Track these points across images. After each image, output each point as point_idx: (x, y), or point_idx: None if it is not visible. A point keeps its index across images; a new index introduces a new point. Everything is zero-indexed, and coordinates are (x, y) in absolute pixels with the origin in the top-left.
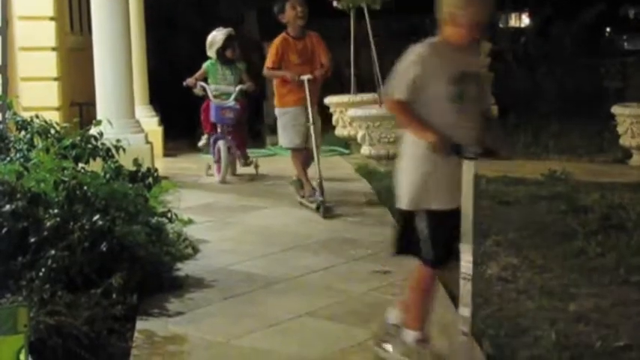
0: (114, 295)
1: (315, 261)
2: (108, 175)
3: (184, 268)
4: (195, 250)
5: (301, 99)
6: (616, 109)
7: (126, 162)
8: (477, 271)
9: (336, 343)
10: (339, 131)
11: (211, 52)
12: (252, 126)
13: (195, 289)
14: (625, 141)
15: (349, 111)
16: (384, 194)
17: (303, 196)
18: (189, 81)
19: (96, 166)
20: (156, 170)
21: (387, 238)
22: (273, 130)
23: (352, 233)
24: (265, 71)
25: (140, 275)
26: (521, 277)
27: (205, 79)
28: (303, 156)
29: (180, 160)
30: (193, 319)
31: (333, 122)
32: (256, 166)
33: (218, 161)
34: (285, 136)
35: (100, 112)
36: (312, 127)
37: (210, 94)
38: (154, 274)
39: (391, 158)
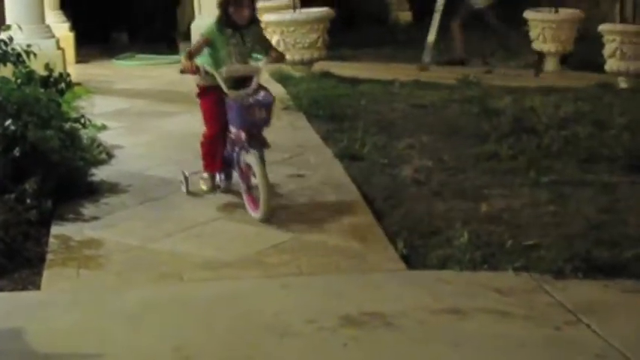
0: (28, 200)
1: None
2: (19, 81)
3: (99, 174)
4: (110, 156)
5: None
6: (528, 14)
7: (37, 67)
8: (391, 173)
9: (251, 245)
10: None
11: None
12: (165, 33)
13: (110, 194)
14: (537, 46)
15: (263, 16)
16: (299, 99)
17: None
18: (185, 65)
19: (6, 71)
20: (68, 75)
21: (302, 142)
22: (187, 37)
23: (268, 138)
24: None
25: (55, 180)
26: (435, 179)
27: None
28: None
29: (93, 66)
30: (109, 223)
31: None
32: None
33: (249, 189)
34: None
35: (9, 17)
36: None
37: (223, 86)
38: (68, 180)
39: (306, 63)
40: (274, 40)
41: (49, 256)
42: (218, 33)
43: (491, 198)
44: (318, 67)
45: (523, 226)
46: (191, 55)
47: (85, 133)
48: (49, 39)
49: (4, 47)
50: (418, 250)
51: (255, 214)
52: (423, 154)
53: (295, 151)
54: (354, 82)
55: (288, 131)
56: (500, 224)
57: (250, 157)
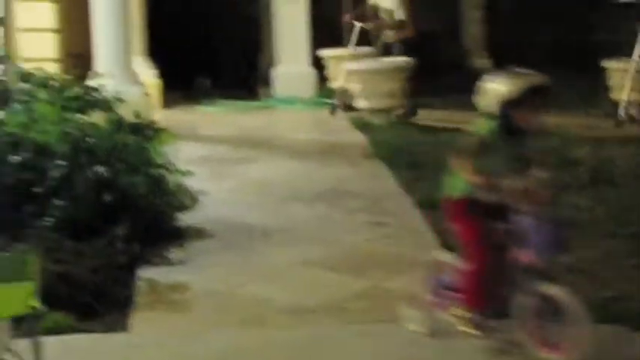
0: (117, 245)
1: (310, 212)
2: (110, 127)
3: (184, 219)
4: (195, 201)
5: None
6: (607, 63)
7: (125, 113)
8: None
9: (332, 292)
10: (334, 83)
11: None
12: (247, 79)
13: (195, 239)
14: (615, 95)
15: (345, 64)
16: (379, 147)
17: None
18: (475, 177)
19: (96, 117)
20: (155, 122)
21: (382, 190)
22: (267, 83)
23: (347, 185)
24: None
25: (142, 225)
26: None
27: None
28: None
29: (178, 111)
30: (195, 268)
31: (327, 74)
32: None
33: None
34: None
35: (98, 65)
36: None
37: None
38: (155, 225)
39: (387, 111)
40: (356, 88)
41: (137, 299)
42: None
43: (569, 249)
44: (399, 115)
45: (602, 277)
46: (468, 157)
47: (171, 179)
48: (137, 86)
49: (94, 94)
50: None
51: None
52: None
53: (375, 199)
54: (434, 130)
55: (368, 179)
56: (580, 275)
57: (556, 289)
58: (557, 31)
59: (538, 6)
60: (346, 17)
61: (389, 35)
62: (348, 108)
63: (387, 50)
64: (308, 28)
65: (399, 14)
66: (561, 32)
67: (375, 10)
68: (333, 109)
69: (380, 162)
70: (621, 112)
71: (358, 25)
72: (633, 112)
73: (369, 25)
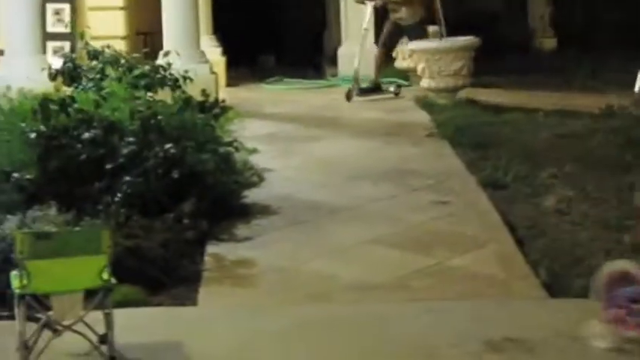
0: (186, 221)
1: (375, 191)
2: (178, 105)
3: (251, 196)
4: (261, 179)
5: None
6: None
7: (192, 91)
8: (533, 202)
9: (396, 269)
10: (399, 63)
11: None
12: (312, 57)
13: (261, 215)
14: None
15: (409, 44)
16: (443, 126)
17: None
18: None
19: (163, 95)
20: (223, 101)
21: (446, 170)
22: (333, 62)
23: (412, 164)
24: None
25: (209, 202)
26: (577, 209)
27: None
28: None
29: (243, 89)
30: (261, 244)
31: (393, 54)
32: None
33: None
34: None
35: (167, 43)
36: None
37: None
38: (222, 201)
39: (450, 91)
40: (419, 67)
41: (205, 274)
42: None
43: (633, 229)
44: (463, 94)
45: None
46: None
47: (237, 156)
48: (204, 64)
49: (162, 72)
50: (560, 279)
51: None
52: (565, 184)
53: (439, 178)
54: (498, 110)
55: (433, 158)
56: None
57: None
58: (624, 11)
59: None
60: None
61: (397, 16)
62: (366, 92)
63: (396, 33)
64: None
65: None
66: (629, 12)
67: None
68: (349, 93)
69: (444, 141)
70: None
71: (370, 3)
72: None
73: (377, 3)
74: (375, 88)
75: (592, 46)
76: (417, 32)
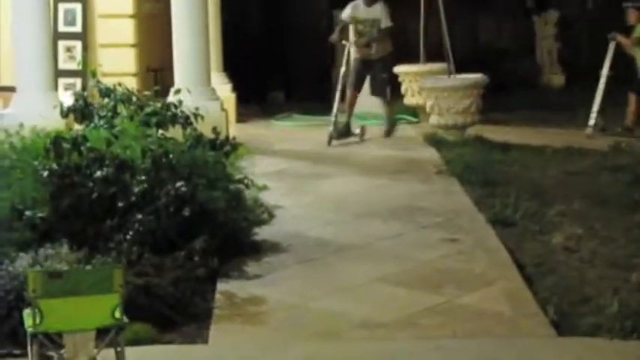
0: (196, 258)
1: (384, 228)
2: (189, 143)
3: (261, 233)
4: (271, 216)
5: None
6: None
7: (203, 129)
8: (542, 239)
9: (405, 307)
10: (408, 100)
11: None
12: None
13: (271, 253)
14: None
15: (419, 81)
16: (452, 164)
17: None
18: None
19: (174, 132)
20: (234, 138)
21: (455, 207)
22: (342, 98)
23: (421, 201)
24: None
25: (220, 239)
26: (585, 247)
27: None
28: None
29: (252, 126)
30: (271, 281)
31: (402, 91)
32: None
33: None
34: None
35: (178, 80)
36: None
37: None
38: (233, 239)
39: (459, 128)
40: (428, 104)
41: (216, 312)
42: None
43: None
44: (472, 131)
45: None
46: None
47: (248, 194)
48: (215, 101)
49: (173, 110)
50: (568, 317)
51: None
52: (574, 222)
53: (448, 216)
54: (507, 147)
55: (442, 195)
56: None
57: None
58: None
59: (613, 24)
60: (332, 38)
61: (364, 51)
62: (341, 135)
63: (364, 68)
64: None
65: (384, 24)
66: None
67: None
68: (330, 137)
69: (453, 179)
70: None
71: (346, 43)
72: None
73: (359, 42)
74: (348, 131)
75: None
76: (387, 65)
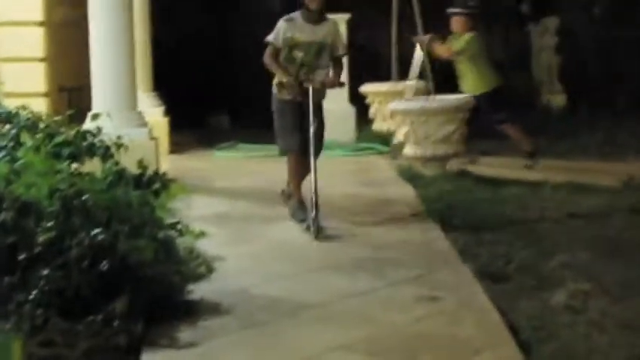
0: (116, 323)
1: (349, 284)
2: (109, 180)
3: (197, 291)
4: (210, 269)
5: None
6: None
7: (127, 161)
8: (541, 297)
9: None
10: (378, 125)
11: None
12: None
13: (210, 315)
14: None
15: (390, 103)
16: (431, 204)
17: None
18: None
19: (92, 166)
20: (164, 173)
21: (435, 258)
22: None
23: (393, 251)
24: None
25: (146, 299)
26: (593, 307)
27: None
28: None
29: (189, 157)
30: (208, 351)
31: (370, 115)
32: None
33: None
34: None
35: (96, 102)
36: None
37: None
38: (162, 298)
39: (439, 160)
40: (402, 131)
41: None
42: None
43: None
44: (454, 164)
45: None
46: None
47: (181, 242)
48: (142, 128)
49: (90, 139)
50: None
51: None
52: (579, 276)
53: (426, 269)
54: (497, 183)
55: (418, 243)
56: None
57: None
58: None
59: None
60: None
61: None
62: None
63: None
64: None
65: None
66: None
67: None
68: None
69: (432, 222)
70: None
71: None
72: None
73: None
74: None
75: (608, 103)
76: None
